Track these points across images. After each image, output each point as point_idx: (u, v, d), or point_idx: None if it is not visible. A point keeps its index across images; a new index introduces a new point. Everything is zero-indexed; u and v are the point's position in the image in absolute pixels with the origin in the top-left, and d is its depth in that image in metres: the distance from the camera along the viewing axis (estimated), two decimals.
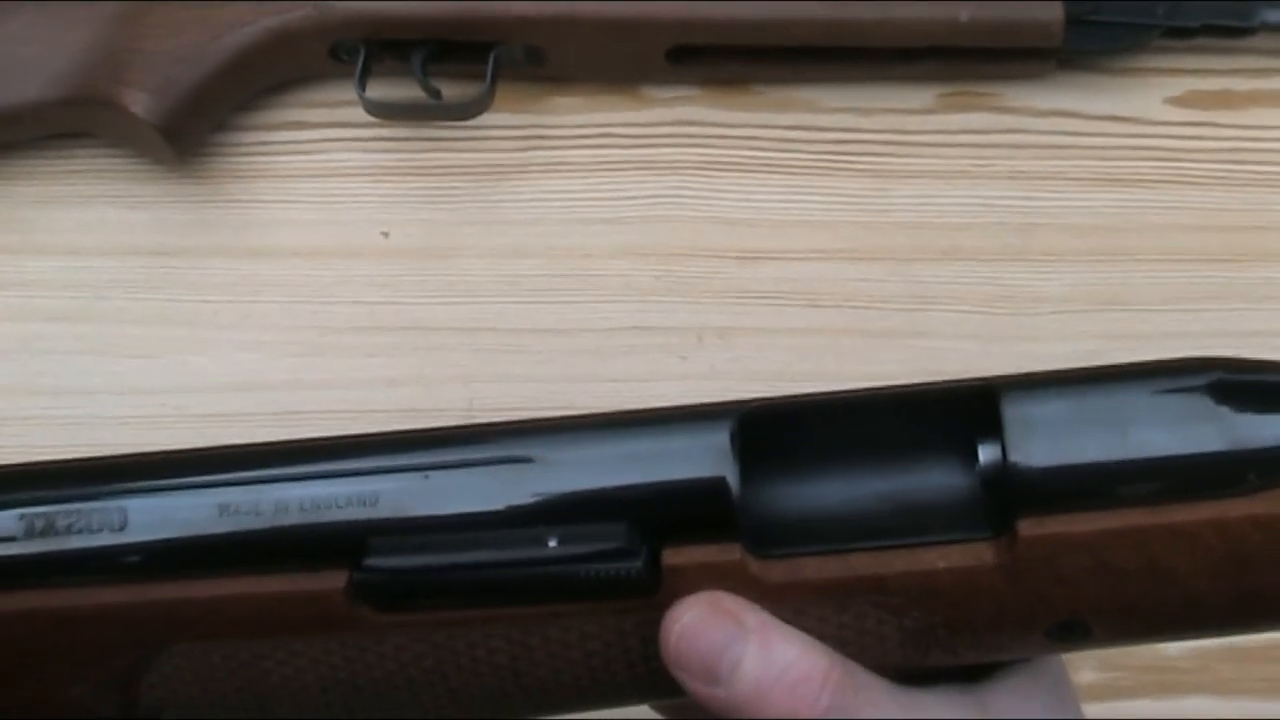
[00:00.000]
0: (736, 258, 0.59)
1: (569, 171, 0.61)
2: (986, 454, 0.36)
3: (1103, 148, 0.61)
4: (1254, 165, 0.60)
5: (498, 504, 0.36)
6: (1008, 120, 0.61)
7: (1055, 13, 0.57)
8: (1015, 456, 0.34)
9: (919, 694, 0.36)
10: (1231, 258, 0.59)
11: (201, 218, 0.60)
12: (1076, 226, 0.60)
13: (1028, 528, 0.34)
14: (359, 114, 0.59)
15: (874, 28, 0.58)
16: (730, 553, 0.35)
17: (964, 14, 0.57)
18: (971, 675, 0.38)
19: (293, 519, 0.36)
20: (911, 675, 0.37)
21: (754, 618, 0.35)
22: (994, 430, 0.35)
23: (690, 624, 0.35)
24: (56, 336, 0.59)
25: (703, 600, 0.35)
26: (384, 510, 0.36)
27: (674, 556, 0.36)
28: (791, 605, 0.36)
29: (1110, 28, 0.58)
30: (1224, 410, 0.34)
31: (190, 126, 0.59)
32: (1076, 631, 0.36)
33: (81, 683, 0.38)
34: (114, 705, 0.38)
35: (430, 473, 0.36)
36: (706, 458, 0.35)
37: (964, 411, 0.36)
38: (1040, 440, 0.34)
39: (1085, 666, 0.55)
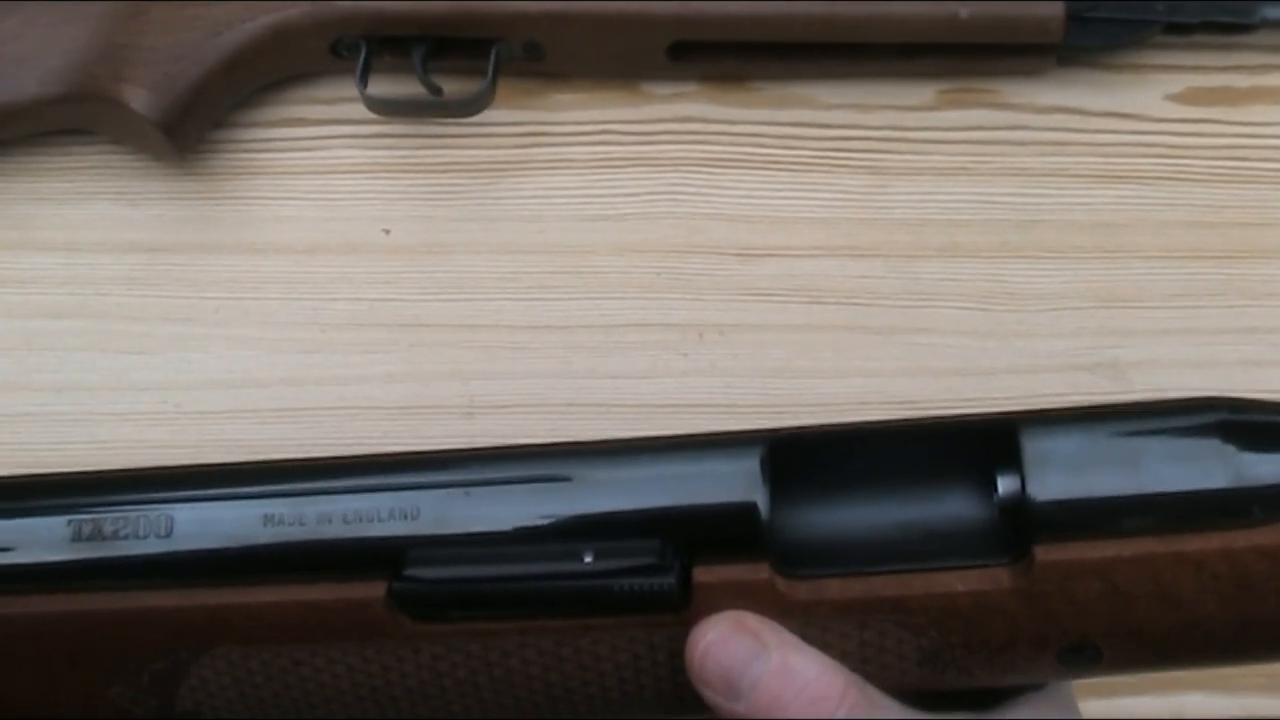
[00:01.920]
0: (737, 254, 0.59)
1: (569, 168, 0.61)
2: (1005, 485, 0.38)
3: (1103, 144, 0.61)
4: (1254, 162, 0.60)
5: (535, 520, 0.37)
6: (1008, 117, 0.61)
7: (1055, 9, 0.57)
8: (1033, 488, 0.36)
9: (932, 718, 0.38)
10: (1231, 254, 0.59)
11: (201, 214, 0.60)
12: (1076, 223, 0.60)
13: (1043, 553, 0.36)
14: (359, 110, 0.59)
15: (873, 24, 0.58)
16: (758, 572, 0.37)
17: (964, 10, 0.57)
18: (983, 707, 0.39)
19: (335, 530, 0.38)
20: (927, 699, 0.38)
21: (775, 637, 0.37)
22: (1013, 463, 0.37)
23: (714, 641, 0.36)
24: (55, 333, 0.59)
25: (727, 619, 0.37)
26: (424, 524, 0.37)
27: (704, 574, 0.37)
28: (816, 622, 0.37)
29: (1110, 24, 0.58)
30: (1229, 449, 0.36)
31: (190, 123, 0.59)
32: (1087, 654, 0.37)
33: (121, 684, 0.39)
34: (151, 708, 0.39)
35: (471, 489, 0.38)
36: (738, 482, 0.37)
37: (984, 444, 0.38)
38: (1057, 474, 0.36)
39: None
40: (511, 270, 0.59)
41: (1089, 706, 0.41)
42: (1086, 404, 0.38)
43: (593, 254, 0.60)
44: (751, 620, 0.37)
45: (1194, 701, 0.55)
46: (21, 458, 0.57)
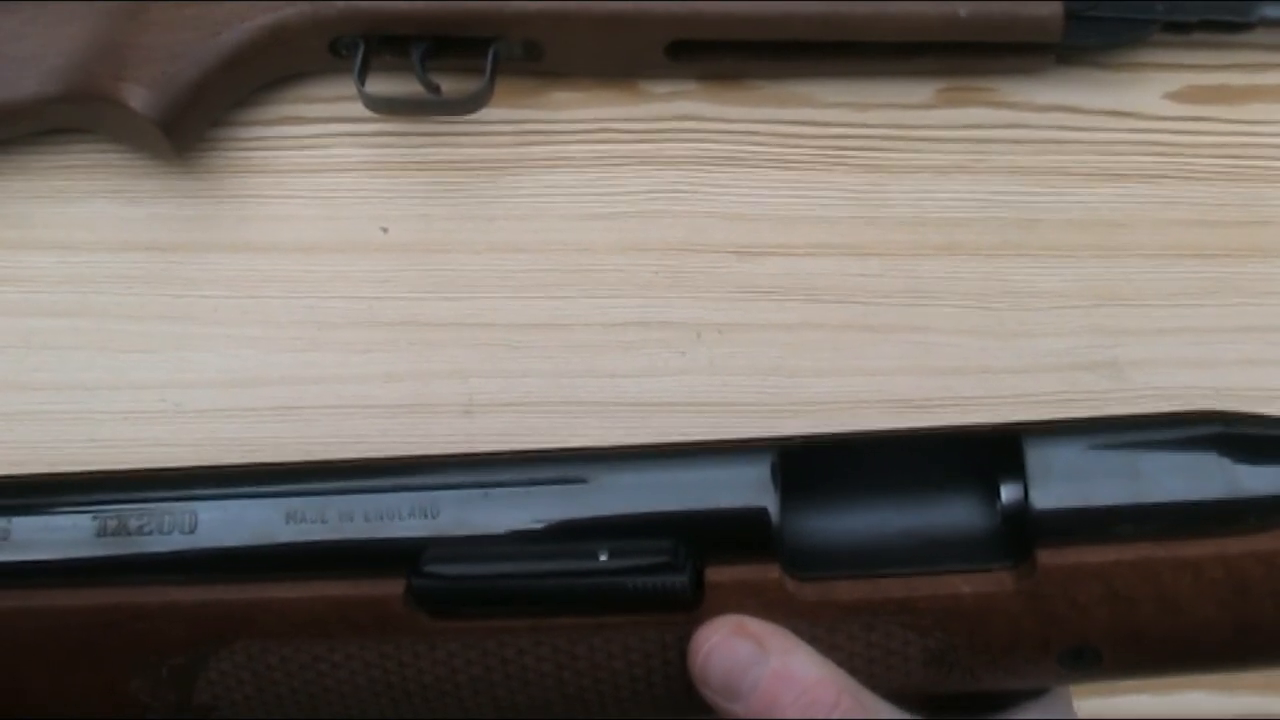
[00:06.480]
0: (735, 253, 0.59)
1: (568, 166, 0.61)
2: (1009, 493, 0.39)
3: (1101, 143, 0.61)
4: (1252, 160, 0.60)
5: (552, 521, 0.38)
6: (1007, 115, 0.61)
7: (1054, 8, 0.57)
8: (1036, 496, 0.37)
9: None
10: (1230, 253, 0.59)
11: (200, 213, 0.60)
12: (1075, 221, 0.60)
13: (1046, 557, 0.37)
14: (358, 109, 0.59)
15: (872, 23, 0.58)
16: (769, 572, 0.38)
17: (963, 9, 0.57)
18: (981, 716, 0.40)
19: (356, 528, 0.38)
20: (929, 707, 0.39)
21: (776, 641, 0.37)
22: (1016, 471, 0.38)
23: (717, 644, 0.37)
24: (54, 331, 0.59)
25: (730, 622, 0.38)
26: (444, 523, 0.38)
27: (716, 574, 0.38)
28: (824, 623, 0.38)
29: (1109, 23, 0.58)
30: (1225, 460, 0.37)
31: (189, 122, 0.59)
32: (1088, 658, 0.38)
33: (141, 677, 0.39)
34: (169, 702, 0.40)
35: (489, 490, 0.39)
36: (750, 487, 0.38)
37: (988, 453, 0.39)
38: (1059, 482, 0.37)
39: None
40: (510, 269, 0.59)
41: (1088, 705, 0.41)
42: (1088, 415, 0.39)
43: (591, 252, 0.60)
44: (754, 624, 0.37)
45: (1194, 701, 0.55)
46: (20, 456, 0.57)
